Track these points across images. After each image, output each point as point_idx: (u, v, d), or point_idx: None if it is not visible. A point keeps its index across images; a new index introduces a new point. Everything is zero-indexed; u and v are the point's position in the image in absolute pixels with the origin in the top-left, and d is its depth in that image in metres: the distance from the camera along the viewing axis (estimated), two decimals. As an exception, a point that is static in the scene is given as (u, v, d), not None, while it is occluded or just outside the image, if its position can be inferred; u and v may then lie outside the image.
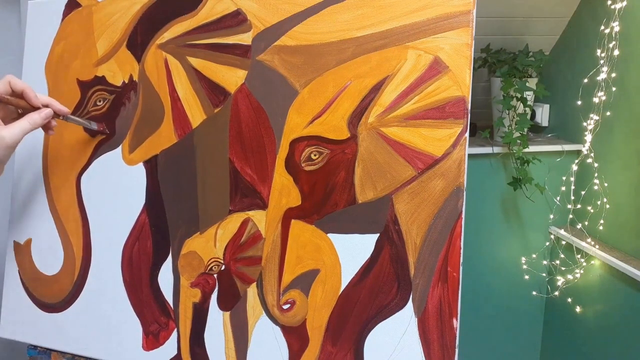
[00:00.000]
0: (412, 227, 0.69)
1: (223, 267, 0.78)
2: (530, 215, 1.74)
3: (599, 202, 1.54)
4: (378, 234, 0.71)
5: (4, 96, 0.72)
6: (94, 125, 0.83)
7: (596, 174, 1.53)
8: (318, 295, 0.73)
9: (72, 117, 0.79)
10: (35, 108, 0.74)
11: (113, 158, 0.84)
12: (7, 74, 0.73)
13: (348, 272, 0.72)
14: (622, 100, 1.45)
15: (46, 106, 0.75)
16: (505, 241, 1.76)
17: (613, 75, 1.44)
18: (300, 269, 0.74)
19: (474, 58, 0.98)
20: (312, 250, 0.73)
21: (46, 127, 0.77)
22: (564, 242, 1.69)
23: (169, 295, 0.81)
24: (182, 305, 0.80)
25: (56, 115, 0.77)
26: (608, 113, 1.47)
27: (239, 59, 0.77)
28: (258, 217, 0.76)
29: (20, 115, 0.75)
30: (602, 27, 1.45)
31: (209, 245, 0.78)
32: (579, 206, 1.60)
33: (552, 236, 1.74)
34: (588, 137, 1.51)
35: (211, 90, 0.78)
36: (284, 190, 0.74)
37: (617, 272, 1.48)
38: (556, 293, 1.70)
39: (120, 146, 0.84)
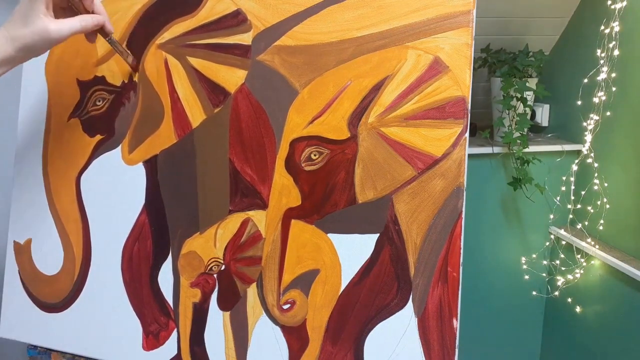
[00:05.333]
0: (412, 227, 0.69)
1: (223, 267, 0.78)
2: (530, 215, 1.74)
3: (599, 202, 1.54)
4: (378, 234, 0.71)
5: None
6: (129, 59, 0.81)
7: (596, 174, 1.53)
8: (318, 295, 0.73)
9: (114, 39, 0.77)
10: (87, 11, 0.71)
11: (112, 158, 0.84)
12: None
13: (348, 272, 0.72)
14: (622, 100, 1.45)
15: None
16: (505, 241, 1.76)
17: (613, 75, 1.44)
18: (300, 269, 0.74)
19: (474, 58, 0.98)
20: (312, 250, 0.73)
21: (89, 35, 0.74)
22: (564, 242, 1.69)
23: (168, 295, 0.81)
24: (182, 305, 0.80)
25: (102, 32, 0.74)
26: (608, 113, 1.47)
27: (239, 59, 0.77)
28: (258, 217, 0.76)
29: (68, 9, 0.72)
30: (602, 27, 1.45)
31: (209, 245, 0.78)
32: (579, 206, 1.60)
33: (552, 236, 1.74)
34: (588, 137, 1.51)
35: (211, 90, 0.78)
36: (284, 190, 0.74)
37: (617, 272, 1.48)
38: (556, 293, 1.70)
39: (120, 146, 0.84)
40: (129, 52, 0.81)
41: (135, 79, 0.83)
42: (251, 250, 0.76)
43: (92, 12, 0.72)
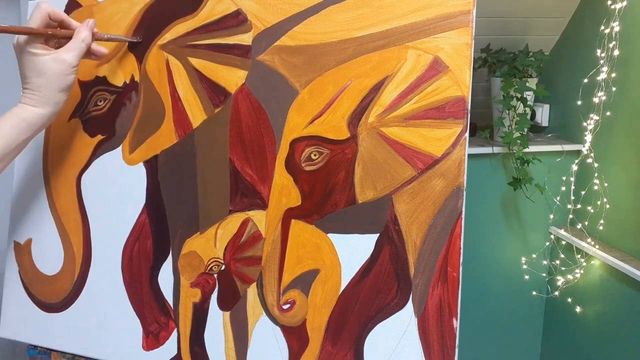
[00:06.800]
0: (412, 227, 0.69)
1: (223, 267, 0.78)
2: (530, 215, 1.74)
3: (599, 202, 1.54)
4: (378, 234, 0.71)
5: (56, 30, 0.70)
6: (134, 40, 0.82)
7: (596, 174, 1.53)
8: (318, 295, 0.73)
9: (110, 35, 0.78)
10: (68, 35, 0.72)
11: (113, 158, 0.84)
12: (43, 4, 0.69)
13: (348, 272, 0.72)
14: (622, 100, 1.46)
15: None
16: (505, 241, 1.76)
17: (613, 75, 1.44)
18: (300, 269, 0.74)
19: (474, 58, 0.98)
20: (312, 250, 0.73)
21: (90, 52, 0.74)
22: (564, 242, 1.69)
23: (169, 295, 0.81)
24: (182, 305, 0.80)
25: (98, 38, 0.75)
26: (608, 113, 1.47)
27: (240, 59, 0.77)
28: (258, 217, 0.76)
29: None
30: (602, 27, 1.45)
31: (209, 245, 0.78)
32: (579, 206, 1.60)
33: (552, 236, 1.74)
34: (588, 137, 1.51)
35: (212, 90, 0.78)
36: (284, 190, 0.74)
37: (617, 272, 1.48)
38: (556, 293, 1.70)
39: (121, 146, 0.84)
40: (130, 37, 0.82)
41: (137, 79, 0.83)
42: (251, 250, 0.76)
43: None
